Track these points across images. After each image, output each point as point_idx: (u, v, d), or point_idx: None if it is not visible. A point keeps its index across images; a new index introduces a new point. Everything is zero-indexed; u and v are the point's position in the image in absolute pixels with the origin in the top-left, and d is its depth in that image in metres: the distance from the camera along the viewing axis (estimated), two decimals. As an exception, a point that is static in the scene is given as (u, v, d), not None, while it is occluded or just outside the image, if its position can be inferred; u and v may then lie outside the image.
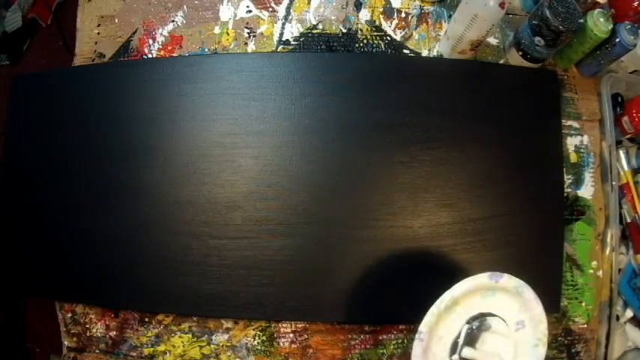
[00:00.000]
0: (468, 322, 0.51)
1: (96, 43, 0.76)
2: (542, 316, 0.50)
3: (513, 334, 0.50)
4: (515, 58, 0.68)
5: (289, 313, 0.63)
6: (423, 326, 0.49)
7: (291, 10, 0.73)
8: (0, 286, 0.71)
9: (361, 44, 0.72)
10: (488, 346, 0.50)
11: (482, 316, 0.51)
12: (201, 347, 0.66)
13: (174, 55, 0.73)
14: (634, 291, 0.66)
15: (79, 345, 0.69)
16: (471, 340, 0.50)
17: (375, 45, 0.72)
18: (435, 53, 0.72)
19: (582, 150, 0.70)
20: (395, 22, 0.73)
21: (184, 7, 0.75)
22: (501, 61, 0.71)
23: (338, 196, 0.64)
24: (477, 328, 0.51)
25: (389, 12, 0.73)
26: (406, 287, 0.63)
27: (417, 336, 0.49)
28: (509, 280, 0.50)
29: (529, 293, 0.50)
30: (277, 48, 0.72)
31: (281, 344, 0.66)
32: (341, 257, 0.63)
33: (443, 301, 0.49)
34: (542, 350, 0.49)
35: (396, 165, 0.65)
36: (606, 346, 0.65)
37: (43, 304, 0.75)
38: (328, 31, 0.72)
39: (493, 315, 0.51)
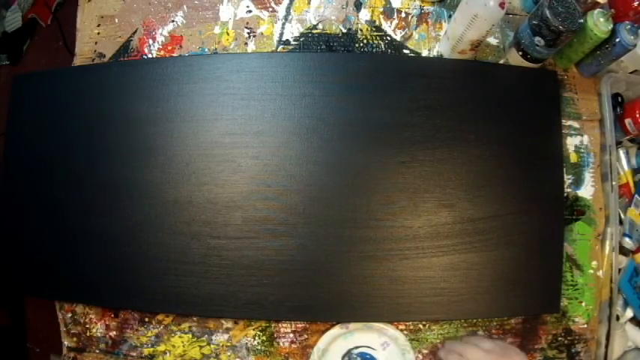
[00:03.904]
0: (342, 358, 0.65)
1: (96, 43, 0.76)
2: (396, 334, 0.64)
3: (381, 352, 0.64)
4: (515, 58, 0.68)
5: (289, 313, 0.63)
6: None
7: (291, 10, 0.73)
8: (0, 286, 0.71)
9: (361, 44, 0.72)
10: None
11: (350, 351, 0.65)
12: (201, 347, 0.66)
13: (174, 55, 0.73)
14: (634, 289, 0.66)
15: (79, 345, 0.69)
16: None
17: (375, 45, 0.72)
18: (435, 53, 0.72)
19: (582, 150, 0.70)
20: (395, 22, 0.73)
21: (184, 7, 0.75)
22: (501, 61, 0.71)
23: (338, 196, 0.64)
24: (350, 358, 0.65)
25: (389, 12, 0.73)
26: (406, 287, 0.63)
27: None
28: (356, 323, 0.65)
29: (377, 325, 0.65)
30: (277, 48, 0.72)
31: (281, 344, 0.66)
32: (341, 257, 0.63)
33: (314, 355, 0.64)
34: (410, 355, 0.64)
35: (396, 165, 0.65)
36: (606, 346, 0.65)
37: (43, 304, 0.75)
38: (328, 31, 0.72)
39: (358, 347, 0.65)
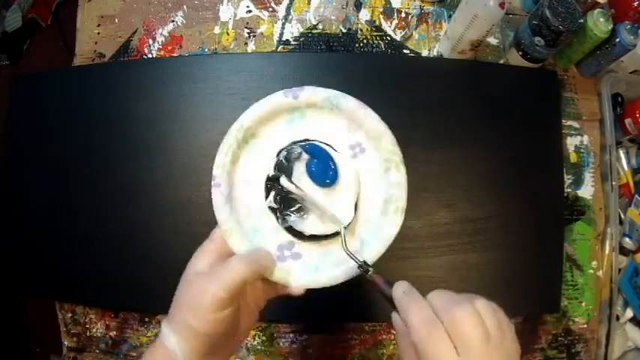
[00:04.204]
0: (279, 155, 0.40)
1: (96, 43, 0.76)
2: (379, 128, 0.40)
3: (347, 159, 0.40)
4: (515, 58, 0.68)
5: (289, 313, 0.63)
6: (216, 168, 0.40)
7: (291, 10, 0.73)
8: (0, 286, 0.71)
9: (361, 44, 0.72)
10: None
11: (295, 146, 0.40)
12: (201, 347, 0.66)
13: (175, 55, 0.73)
14: (634, 289, 0.66)
15: (79, 345, 0.69)
16: (289, 175, 0.39)
17: (375, 45, 0.72)
18: (435, 53, 0.72)
19: (582, 150, 0.70)
20: (395, 22, 0.73)
21: (184, 7, 0.75)
22: (501, 61, 0.71)
23: (338, 196, 0.64)
24: (288, 159, 0.39)
25: (389, 12, 0.73)
26: (406, 287, 0.63)
27: (212, 182, 0.41)
28: (313, 93, 0.40)
29: (350, 102, 0.39)
30: (277, 48, 0.72)
31: (281, 344, 0.66)
32: (341, 257, 0.63)
33: (231, 134, 0.40)
34: (398, 176, 0.39)
35: (396, 165, 0.65)
36: (606, 346, 0.65)
37: (43, 304, 0.75)
38: (328, 31, 0.72)
39: (309, 141, 0.40)
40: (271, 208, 0.40)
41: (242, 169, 0.41)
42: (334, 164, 0.39)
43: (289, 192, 0.39)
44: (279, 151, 0.41)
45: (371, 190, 0.40)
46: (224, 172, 0.41)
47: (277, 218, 0.40)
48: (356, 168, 0.40)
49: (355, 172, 0.40)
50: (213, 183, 0.41)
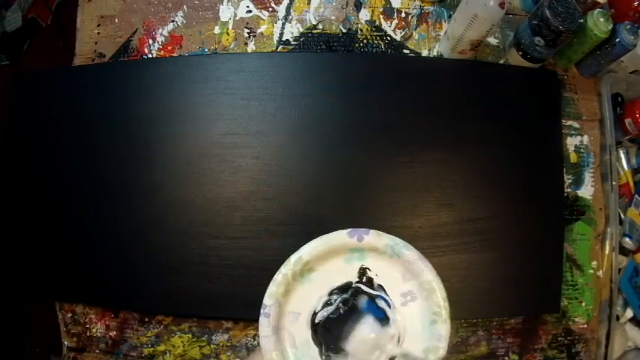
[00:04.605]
0: (331, 294, 0.41)
1: (96, 43, 0.76)
2: (433, 282, 0.40)
3: (398, 308, 0.41)
4: (515, 58, 0.68)
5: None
6: (268, 298, 0.40)
7: (291, 10, 0.73)
8: (0, 286, 0.71)
9: (361, 44, 0.72)
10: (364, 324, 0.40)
11: (350, 287, 0.41)
12: (201, 347, 0.66)
13: (174, 55, 0.73)
14: (634, 289, 0.66)
15: (79, 345, 0.69)
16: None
17: (375, 45, 0.72)
18: (435, 53, 0.72)
19: (582, 150, 0.70)
20: (395, 22, 0.73)
21: (184, 7, 0.75)
22: (501, 61, 0.71)
23: (338, 196, 0.64)
24: (342, 301, 0.40)
25: (389, 12, 0.73)
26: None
27: (261, 310, 0.40)
28: (378, 238, 0.41)
29: (411, 253, 0.40)
30: (277, 48, 0.72)
31: (281, 344, 0.65)
32: (341, 257, 0.63)
33: (288, 265, 0.40)
34: (444, 328, 0.39)
35: (396, 165, 0.65)
36: (606, 346, 0.65)
37: (43, 304, 0.75)
38: (328, 31, 0.72)
39: (361, 284, 0.42)
40: (315, 341, 0.41)
41: (293, 301, 0.42)
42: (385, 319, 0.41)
43: (331, 330, 0.40)
44: (333, 290, 0.42)
45: (414, 338, 0.41)
46: (276, 303, 0.41)
47: (321, 354, 0.41)
48: (403, 317, 0.41)
49: (402, 327, 0.41)
50: (262, 312, 0.40)
